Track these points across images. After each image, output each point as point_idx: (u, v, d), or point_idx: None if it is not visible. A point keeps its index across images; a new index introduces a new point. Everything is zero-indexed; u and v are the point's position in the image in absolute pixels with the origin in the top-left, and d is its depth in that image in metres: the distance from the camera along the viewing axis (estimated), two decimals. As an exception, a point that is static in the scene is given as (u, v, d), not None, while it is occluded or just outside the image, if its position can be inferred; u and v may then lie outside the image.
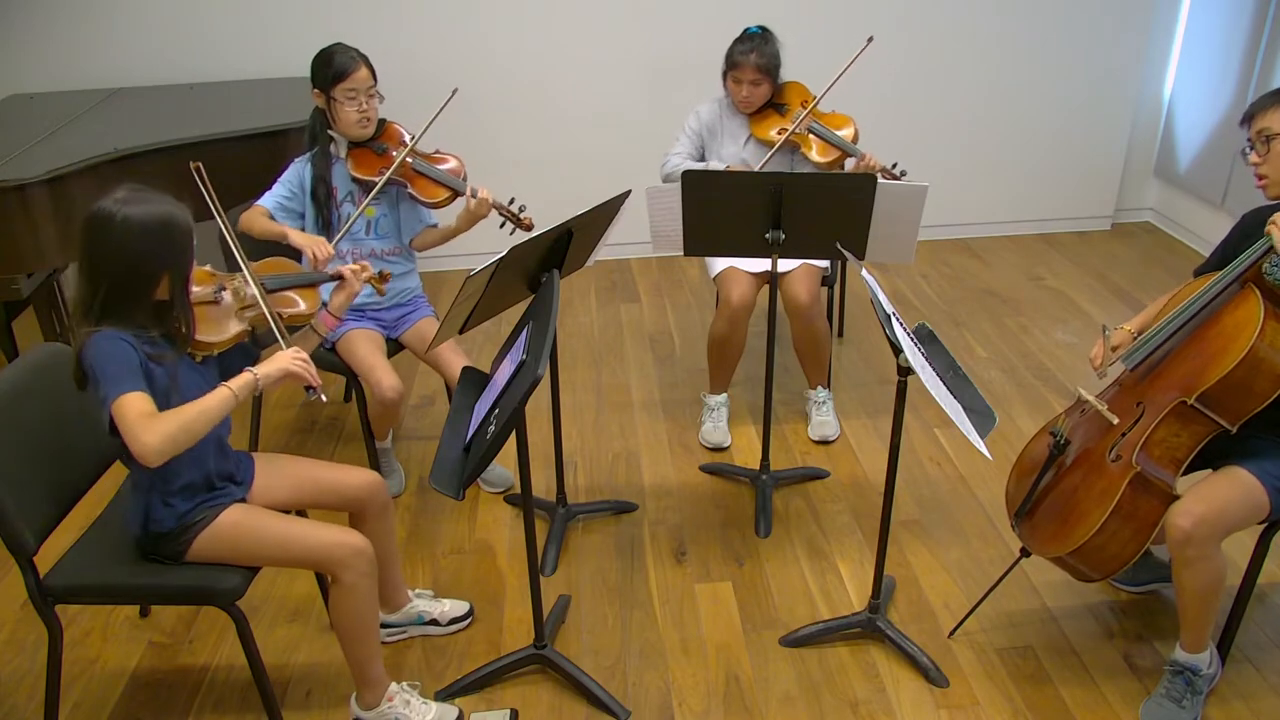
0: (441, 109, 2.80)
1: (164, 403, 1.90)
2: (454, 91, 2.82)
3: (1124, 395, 2.26)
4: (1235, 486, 2.09)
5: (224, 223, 2.11)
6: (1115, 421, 2.18)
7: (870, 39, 3.08)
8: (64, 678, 2.35)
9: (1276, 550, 2.37)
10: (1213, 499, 2.06)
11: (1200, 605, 2.14)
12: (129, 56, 4.22)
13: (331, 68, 2.77)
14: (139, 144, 3.30)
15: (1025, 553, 2.32)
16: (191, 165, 2.13)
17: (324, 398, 2.08)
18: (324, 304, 2.37)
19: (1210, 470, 2.19)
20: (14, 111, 3.89)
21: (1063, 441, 2.23)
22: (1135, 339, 2.35)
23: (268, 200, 2.84)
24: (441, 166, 2.91)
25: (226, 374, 2.18)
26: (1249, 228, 2.25)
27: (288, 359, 2.00)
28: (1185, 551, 2.05)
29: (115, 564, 2.10)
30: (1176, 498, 2.08)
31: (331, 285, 2.40)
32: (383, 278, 2.55)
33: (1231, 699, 2.28)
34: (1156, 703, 2.22)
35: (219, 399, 1.90)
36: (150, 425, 1.81)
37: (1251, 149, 2.16)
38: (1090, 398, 2.25)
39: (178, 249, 1.91)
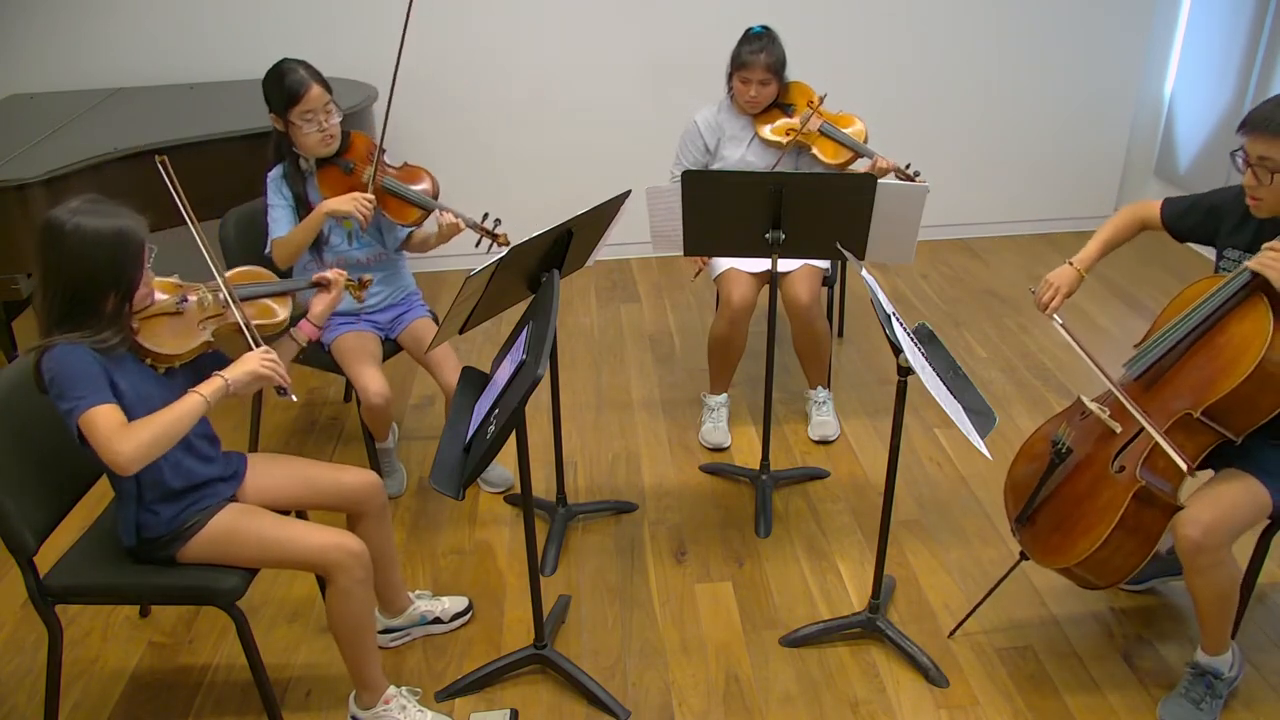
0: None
1: (128, 415, 1.89)
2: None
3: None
4: (1239, 489, 2.07)
5: (194, 225, 2.09)
6: (1118, 430, 2.14)
7: (824, 95, 3.17)
8: (64, 678, 2.35)
9: (1276, 550, 2.37)
10: (1219, 504, 2.04)
11: (1217, 609, 2.12)
12: (129, 56, 4.22)
13: (283, 90, 2.64)
14: (139, 144, 3.30)
15: (1024, 556, 2.31)
16: (156, 159, 2.12)
17: (294, 397, 2.05)
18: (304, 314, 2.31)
19: (1212, 471, 2.18)
20: (14, 111, 3.89)
21: (1064, 450, 2.19)
22: (1076, 271, 2.34)
23: (280, 227, 2.76)
24: (413, 186, 2.82)
25: (199, 379, 2.17)
26: (1226, 206, 2.21)
27: (255, 361, 2.00)
28: (1197, 560, 2.02)
29: (115, 564, 2.10)
30: (1180, 508, 2.05)
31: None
32: (361, 284, 2.47)
33: (1231, 700, 2.27)
34: (1175, 701, 2.22)
35: (190, 405, 1.91)
36: (124, 435, 1.82)
37: (1246, 164, 2.04)
38: (1093, 406, 2.20)
39: (127, 263, 1.88)
